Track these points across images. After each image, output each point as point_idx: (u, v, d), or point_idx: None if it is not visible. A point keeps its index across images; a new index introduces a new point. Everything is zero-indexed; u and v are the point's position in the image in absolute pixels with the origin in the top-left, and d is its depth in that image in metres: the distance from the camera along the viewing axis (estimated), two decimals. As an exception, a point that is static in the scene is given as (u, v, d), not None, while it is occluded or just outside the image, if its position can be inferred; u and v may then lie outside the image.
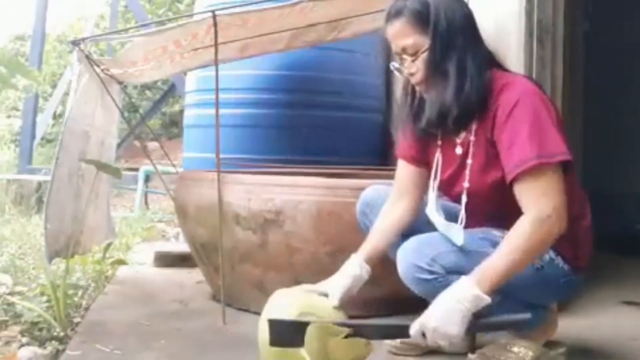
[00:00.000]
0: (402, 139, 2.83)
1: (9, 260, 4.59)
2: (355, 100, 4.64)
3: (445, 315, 2.31)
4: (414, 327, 2.36)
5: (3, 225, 6.22)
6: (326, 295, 2.61)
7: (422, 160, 2.81)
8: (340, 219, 3.21)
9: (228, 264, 3.43)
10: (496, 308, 2.60)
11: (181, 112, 8.08)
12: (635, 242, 5.51)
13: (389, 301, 3.34)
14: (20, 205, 7.88)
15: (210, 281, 3.81)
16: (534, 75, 3.47)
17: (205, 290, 3.95)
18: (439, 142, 2.74)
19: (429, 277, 2.51)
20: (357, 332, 2.47)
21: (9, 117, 14.84)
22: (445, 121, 2.58)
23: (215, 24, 3.26)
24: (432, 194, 2.74)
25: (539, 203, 2.36)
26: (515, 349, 2.67)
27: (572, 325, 3.28)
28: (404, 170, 2.85)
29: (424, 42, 2.54)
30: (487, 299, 2.31)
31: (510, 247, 2.37)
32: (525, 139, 2.40)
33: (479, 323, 2.35)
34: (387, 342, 2.92)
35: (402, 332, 2.41)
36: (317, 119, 4.62)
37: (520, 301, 2.63)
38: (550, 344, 2.75)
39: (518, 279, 2.48)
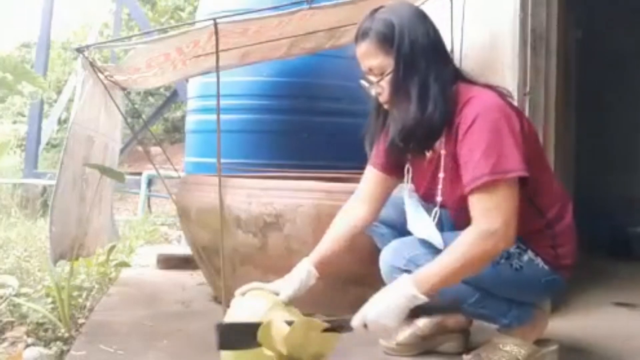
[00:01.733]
0: (375, 149, 2.83)
1: (15, 263, 4.59)
2: (353, 106, 4.64)
3: (384, 309, 2.33)
4: (356, 319, 2.37)
5: (9, 228, 6.23)
6: (277, 293, 2.62)
7: (391, 169, 2.81)
8: (339, 222, 3.21)
9: (229, 266, 3.44)
10: (478, 305, 2.63)
11: (183, 117, 8.08)
12: (627, 245, 5.52)
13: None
14: (25, 209, 7.89)
15: (212, 283, 3.81)
16: (527, 83, 3.48)
17: (206, 291, 3.96)
18: (409, 156, 2.75)
19: None
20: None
21: (15, 122, 14.83)
22: (409, 141, 2.58)
23: (216, 32, 3.27)
24: (410, 206, 2.76)
25: (488, 217, 2.35)
26: (508, 348, 2.70)
27: (564, 326, 3.29)
28: (370, 175, 2.85)
29: (389, 63, 2.53)
30: (424, 299, 2.32)
31: (452, 255, 2.37)
32: (480, 155, 2.38)
33: (419, 309, 2.36)
34: (382, 343, 2.93)
35: (345, 325, 2.40)
36: (316, 125, 4.63)
37: (504, 298, 2.66)
38: (541, 342, 2.76)
39: (498, 279, 2.54)
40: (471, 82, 2.63)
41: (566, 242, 2.66)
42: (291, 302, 2.59)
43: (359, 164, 3.41)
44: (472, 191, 2.39)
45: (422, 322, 2.92)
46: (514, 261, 2.56)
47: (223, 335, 2.39)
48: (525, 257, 2.59)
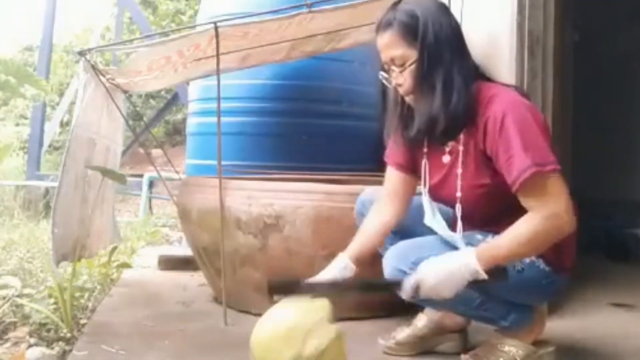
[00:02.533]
0: (392, 145, 2.82)
1: (17, 264, 4.60)
2: (352, 108, 4.65)
3: (446, 277, 2.35)
4: (410, 281, 2.38)
5: (12, 229, 6.23)
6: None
7: (409, 167, 2.80)
8: (338, 224, 3.21)
9: (229, 267, 3.44)
10: (480, 308, 2.62)
11: (184, 120, 8.09)
12: (624, 246, 5.52)
13: (383, 303, 3.35)
14: (28, 211, 7.89)
15: (212, 284, 3.82)
16: (525, 85, 3.47)
17: (207, 292, 3.96)
18: (425, 150, 2.73)
19: None
20: (349, 288, 2.57)
21: (17, 125, 14.84)
22: (434, 132, 2.56)
23: (217, 35, 3.27)
24: (427, 202, 2.74)
25: (549, 203, 2.35)
26: (506, 349, 2.69)
27: (562, 326, 3.29)
28: (392, 175, 2.84)
29: (412, 54, 2.52)
30: (484, 276, 2.33)
31: (517, 234, 2.37)
32: (519, 150, 2.37)
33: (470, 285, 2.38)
34: (381, 342, 2.92)
35: (394, 287, 2.43)
36: (316, 127, 4.63)
37: (505, 301, 2.65)
38: (539, 344, 2.76)
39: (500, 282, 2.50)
40: (490, 79, 2.64)
41: (568, 245, 2.63)
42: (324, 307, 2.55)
43: (358, 165, 3.43)
44: (521, 186, 2.37)
45: (421, 322, 2.92)
46: (515, 263, 2.53)
47: (273, 285, 2.43)
48: (527, 259, 2.56)
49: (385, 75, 2.63)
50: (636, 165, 5.84)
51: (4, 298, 3.50)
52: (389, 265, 2.61)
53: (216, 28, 3.25)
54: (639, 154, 5.86)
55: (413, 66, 2.52)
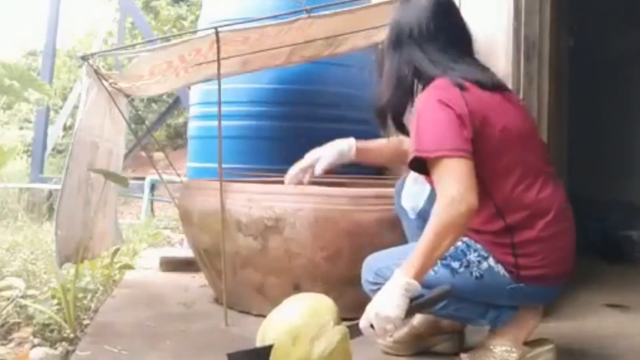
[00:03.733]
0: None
1: (21, 265, 4.59)
2: (351, 112, 4.64)
3: (383, 301, 2.35)
4: (362, 320, 2.40)
5: (16, 231, 6.23)
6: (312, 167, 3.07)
7: None
8: (337, 226, 3.22)
9: (230, 268, 3.44)
10: (450, 309, 2.62)
11: (185, 124, 8.08)
12: (618, 248, 5.53)
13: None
14: (32, 213, 7.89)
15: (213, 285, 3.81)
16: (521, 89, 3.48)
17: (208, 293, 3.95)
18: None
19: (375, 288, 2.54)
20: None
21: (21, 128, 14.84)
22: (384, 121, 2.80)
23: (217, 40, 3.27)
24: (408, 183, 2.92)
25: (442, 187, 2.40)
26: (498, 350, 2.68)
27: (558, 327, 3.29)
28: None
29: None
30: (416, 283, 2.34)
31: (425, 233, 2.40)
32: (416, 133, 2.50)
33: (414, 305, 2.38)
34: (379, 341, 2.92)
35: (355, 330, 2.42)
36: (315, 131, 4.61)
37: (480, 303, 2.66)
38: (536, 342, 2.75)
39: (461, 288, 2.53)
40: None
41: (531, 254, 2.56)
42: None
43: (357, 169, 3.42)
44: (410, 166, 2.54)
45: (417, 321, 2.93)
46: (473, 269, 2.56)
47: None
48: (485, 265, 2.56)
49: None
50: (631, 167, 5.85)
51: (8, 299, 3.50)
52: (362, 277, 2.73)
53: (217, 33, 3.25)
54: (634, 156, 5.87)
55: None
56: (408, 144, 2.70)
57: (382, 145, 3.07)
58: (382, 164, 3.00)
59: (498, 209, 2.55)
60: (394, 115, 2.74)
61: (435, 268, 2.52)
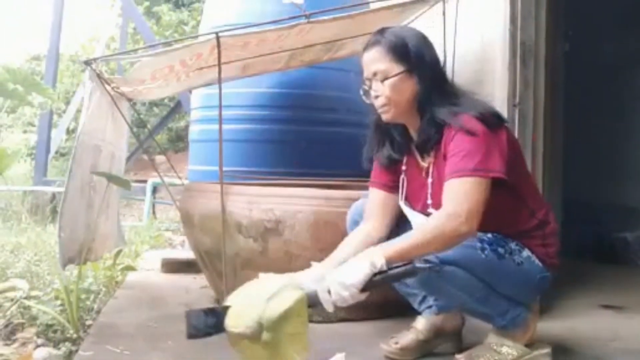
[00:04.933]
0: (376, 169, 2.95)
1: (25, 267, 4.59)
2: (349, 116, 4.64)
3: (346, 270, 2.36)
4: (321, 285, 2.38)
5: (20, 233, 6.22)
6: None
7: (393, 187, 2.90)
8: (336, 227, 3.21)
9: (231, 269, 3.44)
10: (482, 300, 2.63)
11: (187, 127, 8.10)
12: (612, 250, 5.53)
13: (379, 304, 3.34)
14: (35, 215, 7.89)
15: (214, 286, 3.81)
16: (517, 93, 3.49)
17: (209, 294, 3.95)
18: (404, 167, 2.87)
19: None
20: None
21: (25, 132, 14.86)
22: (427, 145, 2.71)
23: (218, 45, 3.27)
24: (408, 211, 2.85)
25: (455, 201, 2.44)
26: (499, 349, 2.70)
27: (553, 327, 3.29)
28: (374, 195, 2.94)
29: (395, 68, 2.66)
30: (383, 262, 2.34)
31: (419, 231, 2.47)
32: (466, 154, 2.50)
33: (376, 279, 2.36)
34: (384, 347, 2.91)
35: (315, 298, 2.39)
36: (314, 134, 4.63)
37: (503, 297, 2.68)
38: (534, 345, 2.76)
39: (502, 272, 2.60)
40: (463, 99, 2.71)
41: (553, 244, 2.76)
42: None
43: (355, 171, 3.42)
44: (450, 178, 2.50)
45: (421, 325, 2.92)
46: (515, 257, 2.64)
47: (190, 324, 2.43)
48: (525, 254, 2.67)
49: (366, 89, 2.77)
50: (624, 171, 5.85)
51: (12, 300, 3.50)
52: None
53: (218, 38, 3.25)
54: (628, 160, 5.88)
55: (395, 78, 2.66)
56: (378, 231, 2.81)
57: (351, 246, 2.77)
58: None
59: (531, 210, 2.72)
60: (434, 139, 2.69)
61: (486, 252, 2.58)
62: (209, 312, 2.42)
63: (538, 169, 3.59)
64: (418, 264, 2.38)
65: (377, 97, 2.72)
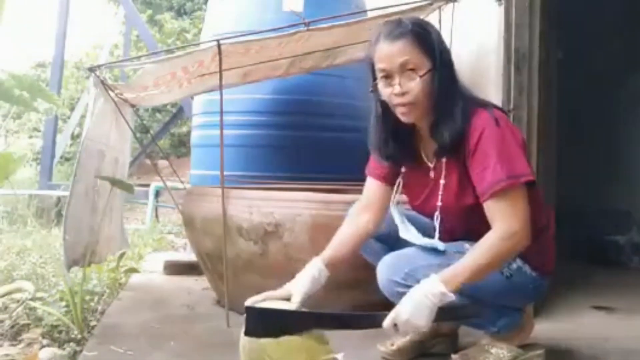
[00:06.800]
0: (374, 159, 2.81)
1: (31, 269, 4.60)
2: (347, 121, 4.65)
3: (415, 309, 2.30)
4: (387, 320, 2.33)
5: (25, 236, 6.23)
6: (288, 299, 2.53)
7: (391, 180, 2.79)
8: (334, 231, 3.19)
9: (231, 272, 3.44)
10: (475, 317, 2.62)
11: (189, 132, 8.09)
12: (604, 252, 5.54)
13: (377, 305, 3.34)
14: (41, 218, 7.89)
15: (215, 288, 3.81)
16: (511, 99, 3.49)
17: (210, 296, 3.95)
18: (403, 169, 2.75)
19: (404, 290, 2.43)
20: (333, 322, 2.47)
21: (31, 137, 14.84)
22: (446, 149, 2.55)
23: (219, 52, 3.27)
24: (397, 215, 2.75)
25: (508, 220, 2.37)
26: (494, 350, 2.69)
27: (546, 329, 3.29)
28: (372, 185, 2.82)
29: (426, 62, 2.46)
30: (452, 297, 2.30)
31: (478, 255, 2.37)
32: (495, 162, 2.40)
33: (443, 315, 2.34)
34: (381, 348, 2.91)
35: (374, 322, 2.37)
36: (313, 139, 4.63)
37: (495, 305, 2.63)
38: (528, 346, 2.75)
39: (490, 287, 2.50)
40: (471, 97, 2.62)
41: (549, 250, 2.69)
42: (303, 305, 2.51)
43: (354, 175, 3.42)
44: (490, 197, 2.40)
45: None
46: (504, 270, 2.54)
47: (251, 321, 2.39)
48: (514, 265, 2.57)
49: (378, 84, 2.55)
50: (617, 176, 5.86)
51: (18, 301, 3.50)
52: (383, 278, 2.61)
53: (219, 45, 3.26)
54: (620, 165, 5.89)
55: (427, 76, 2.46)
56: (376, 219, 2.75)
57: (347, 242, 2.74)
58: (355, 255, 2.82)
59: (533, 220, 2.48)
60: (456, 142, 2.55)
61: None
62: (272, 313, 2.42)
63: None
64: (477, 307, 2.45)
65: (404, 93, 2.47)
